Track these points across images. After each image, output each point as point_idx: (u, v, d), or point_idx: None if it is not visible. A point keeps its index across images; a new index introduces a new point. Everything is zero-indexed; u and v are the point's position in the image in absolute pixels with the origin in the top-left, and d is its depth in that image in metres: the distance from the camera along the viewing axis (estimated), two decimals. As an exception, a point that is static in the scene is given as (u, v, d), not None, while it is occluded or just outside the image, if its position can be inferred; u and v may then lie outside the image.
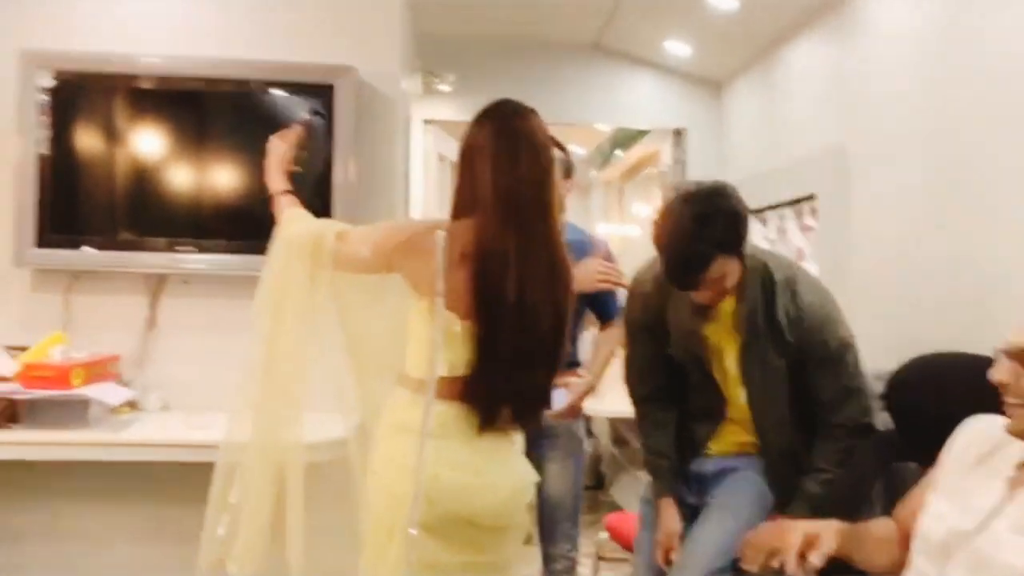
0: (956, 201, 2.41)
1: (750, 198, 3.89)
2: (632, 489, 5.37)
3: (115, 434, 2.43)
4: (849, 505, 1.98)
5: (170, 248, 2.72)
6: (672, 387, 2.19)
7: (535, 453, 1.92)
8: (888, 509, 1.64)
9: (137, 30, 2.81)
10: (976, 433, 1.45)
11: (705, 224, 1.86)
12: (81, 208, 2.74)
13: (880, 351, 2.23)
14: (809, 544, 1.44)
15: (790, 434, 2.03)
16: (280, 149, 2.05)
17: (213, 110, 2.81)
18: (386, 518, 1.68)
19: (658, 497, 2.18)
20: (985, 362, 1.37)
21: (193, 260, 2.73)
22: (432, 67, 4.20)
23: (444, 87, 4.35)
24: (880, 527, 1.56)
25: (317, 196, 2.70)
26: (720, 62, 4.24)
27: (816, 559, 1.42)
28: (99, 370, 2.54)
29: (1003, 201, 2.22)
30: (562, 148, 2.55)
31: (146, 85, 2.74)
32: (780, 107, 3.74)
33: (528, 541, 2.00)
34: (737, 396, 2.08)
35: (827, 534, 1.45)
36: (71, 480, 2.66)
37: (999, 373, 1.32)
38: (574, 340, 2.55)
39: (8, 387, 2.41)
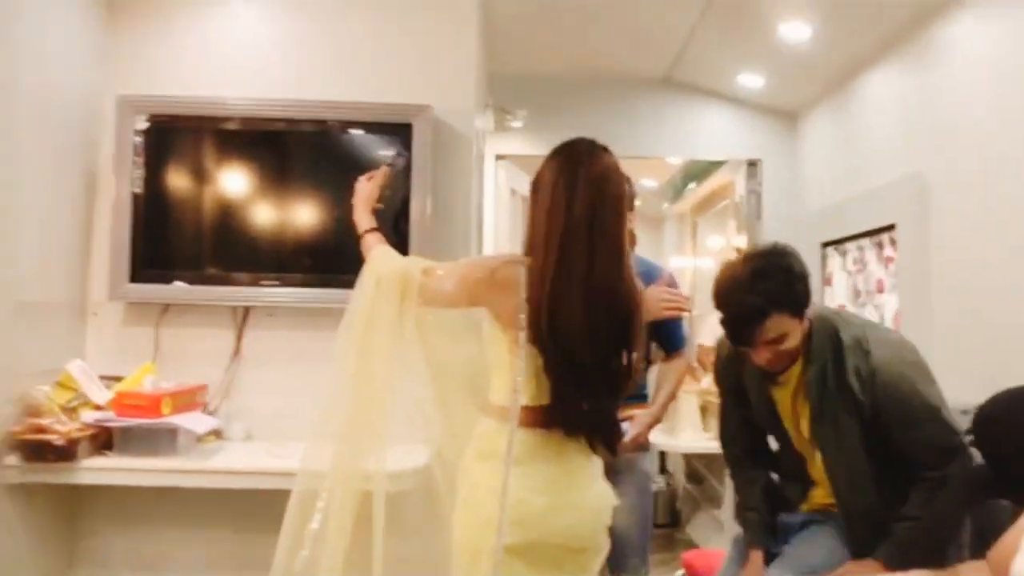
0: (1044, 229, 2.33)
1: (827, 229, 3.87)
2: (708, 526, 5.27)
3: (202, 462, 2.52)
4: (937, 546, 1.92)
5: (254, 282, 2.82)
6: (763, 448, 2.21)
7: None
8: (978, 550, 1.58)
9: (224, 74, 2.95)
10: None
11: (760, 279, 1.90)
12: (171, 244, 2.87)
13: (965, 384, 2.16)
14: None
15: (870, 496, 1.97)
16: (367, 189, 2.12)
17: (295, 149, 2.92)
18: (473, 542, 1.72)
19: (748, 547, 2.19)
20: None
21: (276, 293, 2.82)
22: (504, 104, 4.27)
23: (516, 123, 4.41)
24: (972, 572, 1.50)
25: (395, 231, 2.77)
26: (794, 92, 4.21)
27: None
28: (187, 399, 2.64)
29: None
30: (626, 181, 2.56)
31: (232, 127, 2.87)
32: (857, 136, 3.69)
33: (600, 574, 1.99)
34: (816, 459, 2.07)
35: None
36: (159, 506, 2.75)
37: None
38: (644, 371, 2.55)
39: (103, 415, 2.52)
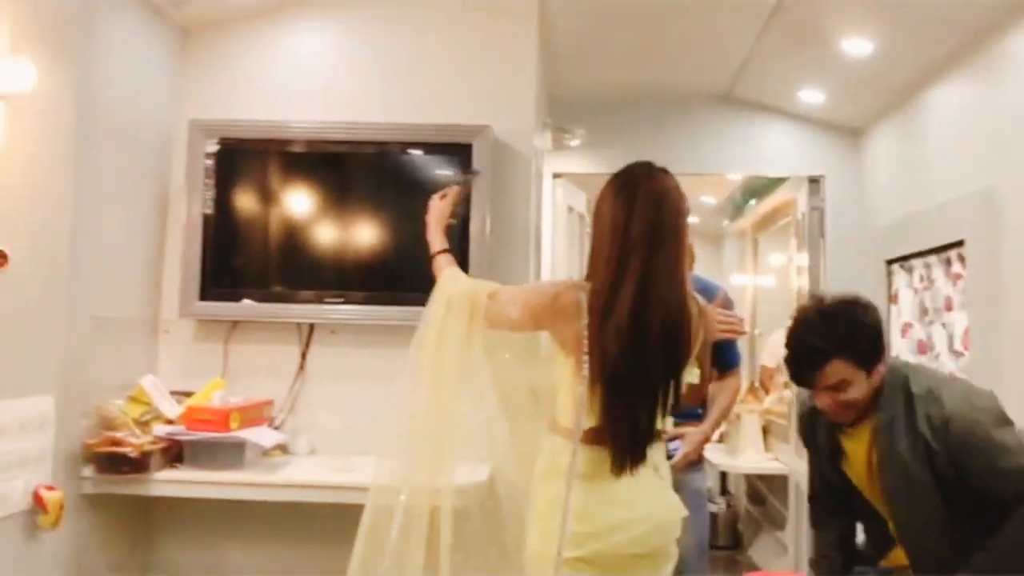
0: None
1: (893, 245, 3.80)
2: (771, 549, 5.17)
3: (268, 475, 2.58)
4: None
5: (318, 300, 2.89)
6: (848, 503, 2.17)
7: None
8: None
9: (289, 98, 3.04)
10: None
11: (827, 323, 1.94)
12: (239, 263, 2.97)
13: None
14: None
15: (943, 552, 1.92)
16: (439, 207, 2.17)
17: (357, 171, 2.99)
18: (545, 554, 1.76)
19: None
20: None
21: (339, 311, 2.88)
22: (562, 122, 4.29)
23: (574, 142, 4.43)
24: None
25: (455, 248, 2.80)
26: (857, 108, 4.15)
27: None
28: (254, 414, 2.71)
29: None
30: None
31: (296, 149, 2.96)
32: (923, 151, 3.62)
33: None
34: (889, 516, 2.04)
35: None
36: (226, 517, 2.82)
37: None
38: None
39: (174, 429, 2.60)
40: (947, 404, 1.90)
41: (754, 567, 5.04)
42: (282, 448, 2.82)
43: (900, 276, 3.83)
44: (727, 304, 2.48)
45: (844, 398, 1.95)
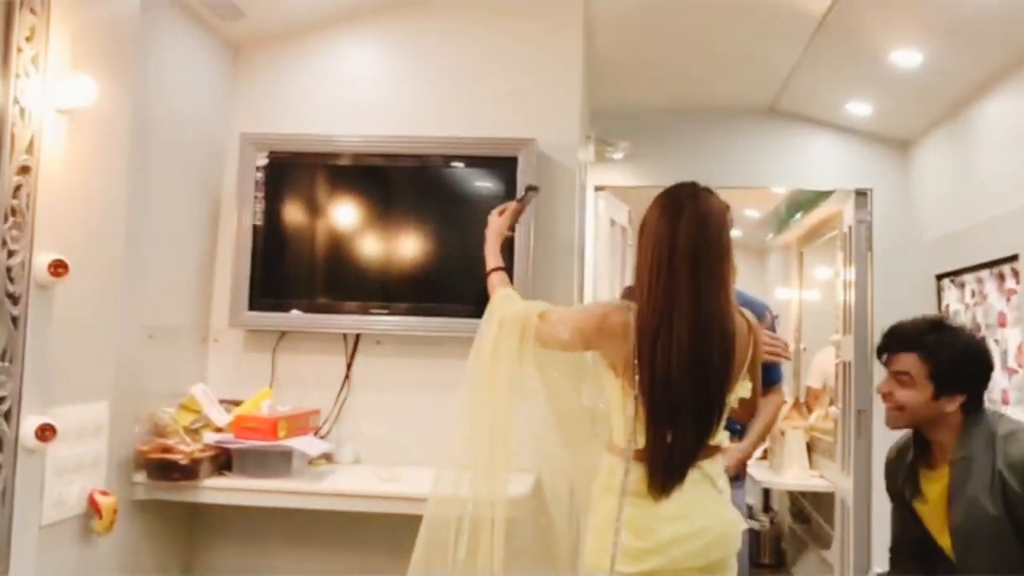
0: None
1: (943, 260, 3.74)
2: (816, 568, 5.09)
3: (313, 484, 2.61)
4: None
5: (363, 311, 2.92)
6: (924, 554, 2.15)
7: None
8: None
9: (337, 112, 3.09)
10: None
11: (932, 326, 2.04)
12: (287, 274, 3.01)
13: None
14: None
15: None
16: (498, 223, 2.22)
17: (403, 184, 3.02)
18: (599, 568, 1.79)
19: None
20: None
21: (383, 322, 2.91)
22: (605, 135, 4.30)
23: (617, 155, 4.43)
24: None
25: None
26: (905, 120, 4.09)
27: None
28: (301, 423, 2.74)
29: None
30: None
31: (344, 162, 3.00)
32: (974, 164, 3.56)
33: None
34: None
35: None
36: (272, 525, 2.85)
37: None
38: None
39: (222, 437, 2.64)
40: None
41: (798, 586, 4.97)
42: (327, 457, 2.85)
43: (951, 291, 3.76)
44: (771, 323, 2.49)
45: (899, 396, 2.01)
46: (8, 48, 1.86)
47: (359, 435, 2.94)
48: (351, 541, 2.81)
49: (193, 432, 2.64)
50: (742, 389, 1.89)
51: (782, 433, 5.39)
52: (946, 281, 3.79)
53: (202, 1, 2.71)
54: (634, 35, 3.54)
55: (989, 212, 3.32)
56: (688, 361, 1.76)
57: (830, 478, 4.95)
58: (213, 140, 3.02)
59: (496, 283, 2.09)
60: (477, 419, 1.98)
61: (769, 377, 2.62)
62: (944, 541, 2.02)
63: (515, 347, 1.93)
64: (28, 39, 1.90)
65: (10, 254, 1.87)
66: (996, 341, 3.29)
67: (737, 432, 2.70)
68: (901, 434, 2.21)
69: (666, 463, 1.78)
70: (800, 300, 6.66)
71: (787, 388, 4.93)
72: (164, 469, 2.50)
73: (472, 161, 2.96)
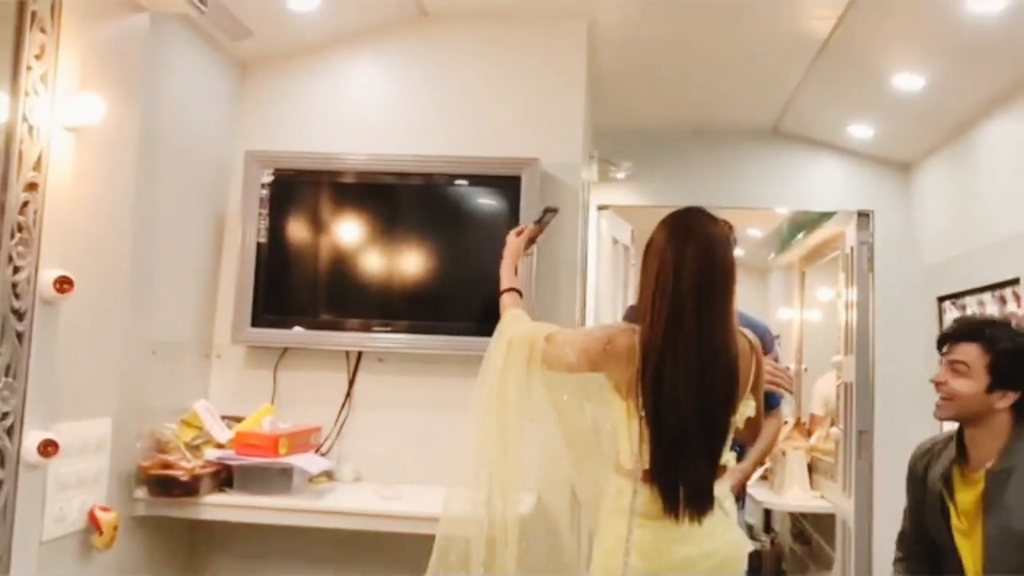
0: None
1: (944, 282, 3.75)
2: (816, 589, 5.06)
3: (314, 501, 2.61)
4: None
5: (366, 328, 2.93)
6: (934, 554, 2.16)
7: None
8: None
9: (342, 131, 3.11)
10: None
11: (998, 324, 2.10)
12: (290, 291, 3.02)
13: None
14: None
15: None
16: (515, 243, 2.26)
17: (406, 202, 3.04)
18: None
19: None
20: None
21: (386, 339, 2.92)
22: (608, 155, 4.32)
23: (620, 174, 4.45)
24: None
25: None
26: (907, 143, 4.11)
27: None
28: (302, 440, 2.74)
29: None
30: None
31: (348, 180, 3.01)
32: (976, 188, 3.57)
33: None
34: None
35: None
36: (271, 542, 2.85)
37: None
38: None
39: (224, 453, 2.65)
40: None
41: (799, 607, 4.94)
42: (328, 475, 2.85)
43: (952, 313, 3.76)
44: (771, 343, 2.51)
45: (953, 384, 2.03)
46: (18, 66, 1.87)
47: (360, 453, 2.94)
48: (351, 559, 2.81)
49: (194, 448, 2.64)
50: (747, 409, 1.91)
51: (783, 453, 5.38)
52: (947, 303, 3.80)
53: (211, 20, 2.73)
54: (638, 56, 3.56)
55: (990, 235, 3.33)
56: (694, 385, 1.79)
57: (831, 499, 4.94)
58: (219, 157, 3.04)
59: (508, 303, 2.13)
60: (487, 438, 2.00)
61: (769, 401, 2.63)
62: (965, 546, 2.02)
63: (523, 368, 1.95)
64: (38, 57, 1.92)
65: (16, 270, 1.88)
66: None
67: (737, 453, 2.71)
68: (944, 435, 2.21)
69: (687, 488, 1.79)
70: (802, 320, 6.66)
71: (788, 408, 4.94)
72: (165, 485, 2.50)
73: (475, 180, 2.98)
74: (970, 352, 2.01)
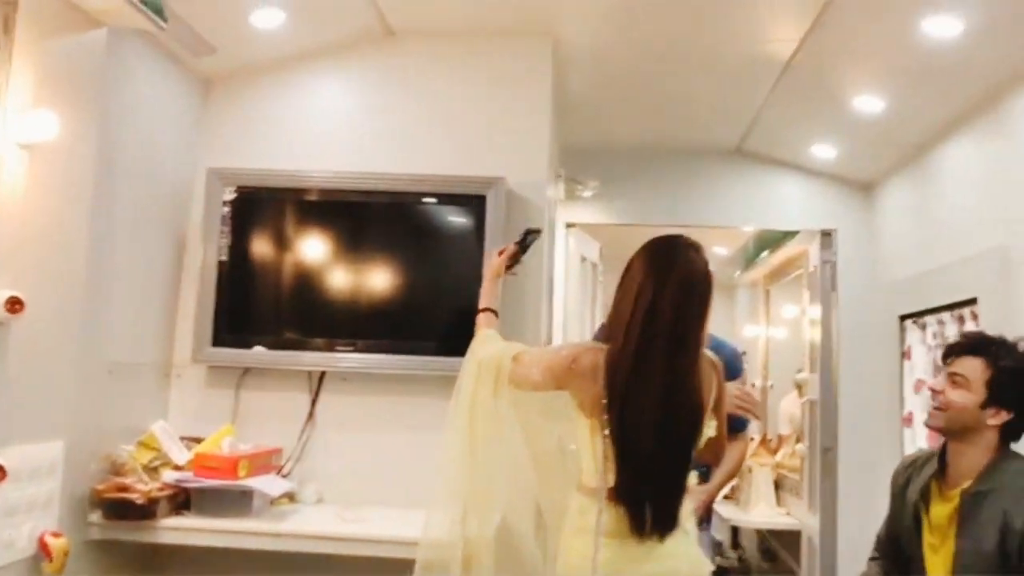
0: None
1: (905, 301, 3.79)
2: (782, 606, 5.07)
3: (274, 524, 2.56)
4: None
5: (330, 347, 2.89)
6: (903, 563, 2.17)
7: None
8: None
9: (306, 148, 3.08)
10: None
11: (1002, 339, 2.06)
12: (252, 310, 2.98)
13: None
14: None
15: None
16: (495, 263, 2.28)
17: (372, 220, 3.01)
18: None
19: None
20: None
21: (350, 359, 2.88)
22: (575, 174, 4.33)
23: (587, 193, 4.47)
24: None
25: (469, 294, 2.83)
26: (868, 164, 4.17)
27: None
28: (263, 462, 2.70)
29: None
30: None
31: (312, 198, 2.99)
32: (935, 208, 3.63)
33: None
34: None
35: None
36: (231, 566, 2.78)
37: None
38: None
39: (182, 476, 2.59)
40: None
41: (766, 625, 4.95)
42: (289, 496, 2.80)
43: (913, 332, 3.81)
44: (745, 379, 2.55)
45: (949, 395, 2.03)
46: (-30, 82, 1.84)
47: (323, 474, 2.89)
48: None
49: (152, 470, 2.59)
50: (708, 429, 1.92)
51: (749, 470, 5.40)
52: (909, 322, 3.84)
53: (172, 36, 2.70)
54: (604, 76, 3.58)
55: (949, 255, 3.38)
56: (662, 407, 1.80)
57: (797, 515, 4.96)
58: (180, 175, 3.00)
59: (481, 323, 2.15)
60: (461, 458, 2.01)
61: (735, 424, 2.64)
62: (934, 562, 2.03)
63: (491, 388, 1.97)
64: (-10, 73, 1.88)
65: (-35, 290, 1.83)
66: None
67: (703, 474, 2.71)
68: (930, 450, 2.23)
69: (654, 508, 1.80)
70: (767, 337, 6.72)
71: (754, 425, 4.95)
72: (120, 508, 2.44)
73: (441, 198, 2.97)
74: (973, 366, 2.02)
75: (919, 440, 3.67)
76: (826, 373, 4.38)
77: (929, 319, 3.63)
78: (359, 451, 2.90)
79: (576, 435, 1.93)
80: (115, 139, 2.52)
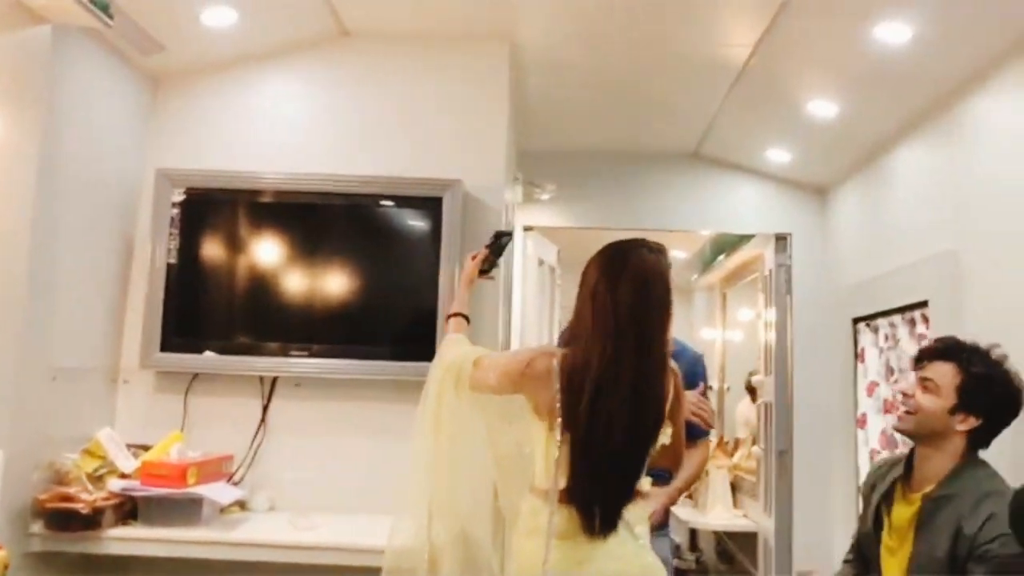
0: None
1: (858, 304, 3.84)
2: (739, 607, 5.11)
3: (224, 533, 2.50)
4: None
5: (283, 352, 2.85)
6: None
7: None
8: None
9: (260, 149, 3.03)
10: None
11: (971, 348, 2.05)
12: (203, 314, 2.92)
13: (998, 464, 2.10)
14: None
15: None
16: (469, 267, 2.32)
17: (327, 223, 2.97)
18: None
19: None
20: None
21: (304, 364, 2.84)
22: (533, 177, 4.32)
23: (544, 196, 4.46)
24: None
25: (425, 298, 2.81)
26: (822, 168, 4.22)
27: None
28: (213, 469, 2.64)
29: None
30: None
31: (266, 200, 2.94)
32: (887, 212, 3.68)
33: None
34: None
35: None
36: (181, 577, 2.73)
37: None
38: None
39: (128, 484, 2.53)
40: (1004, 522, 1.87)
41: (723, 627, 4.98)
42: (240, 504, 2.75)
43: (866, 335, 3.86)
44: (704, 393, 2.58)
45: (918, 399, 2.03)
46: (-99, 77, 1.77)
47: (275, 481, 2.84)
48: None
49: (97, 479, 2.52)
50: (663, 436, 1.91)
51: (707, 473, 5.43)
52: (862, 325, 3.89)
53: (119, 34, 2.64)
54: (562, 80, 3.58)
55: (901, 259, 3.43)
56: (627, 414, 1.80)
57: (753, 517, 5.00)
58: (128, 175, 2.93)
59: (451, 328, 2.18)
60: (427, 464, 2.03)
61: (695, 431, 2.64)
62: (890, 565, 2.05)
63: (453, 392, 1.99)
64: (-76, 68, 1.81)
65: None
66: (895, 382, 3.38)
67: (663, 478, 2.71)
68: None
69: (596, 506, 1.81)
70: (723, 340, 6.78)
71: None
72: (63, 519, 2.37)
73: (397, 201, 2.93)
74: (944, 371, 2.03)
75: (872, 441, 3.72)
76: (781, 376, 4.42)
77: (881, 322, 3.68)
78: (312, 457, 2.85)
79: (531, 437, 1.94)
80: (59, 139, 2.45)
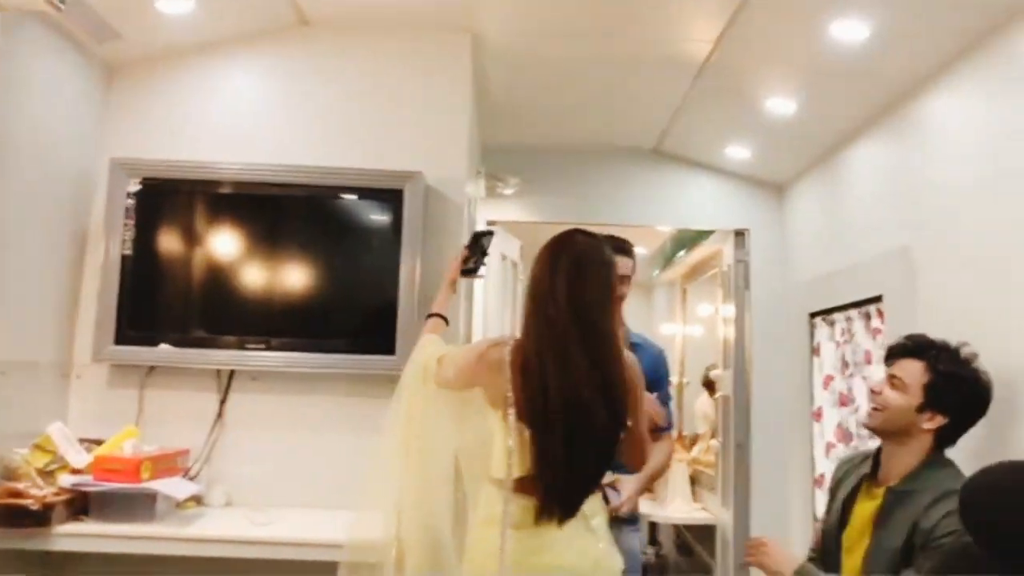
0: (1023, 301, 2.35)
1: (815, 299, 3.89)
2: (698, 599, 5.16)
3: (179, 529, 2.47)
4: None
5: (240, 345, 2.81)
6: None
7: None
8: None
9: (218, 140, 2.99)
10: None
11: (941, 347, 2.07)
12: (158, 306, 2.87)
13: (955, 456, 2.14)
14: None
15: None
16: (450, 267, 2.39)
17: (286, 214, 2.93)
18: None
19: None
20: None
21: (262, 357, 2.80)
22: (495, 171, 4.32)
23: (507, 190, 4.46)
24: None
25: (385, 291, 2.79)
26: (780, 165, 4.27)
27: None
28: (167, 464, 2.60)
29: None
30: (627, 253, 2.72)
31: (224, 191, 2.89)
32: (843, 208, 3.74)
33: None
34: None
35: None
36: (135, 574, 2.68)
37: None
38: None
39: (80, 479, 2.48)
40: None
41: (681, 619, 5.02)
42: (196, 499, 2.71)
43: (822, 329, 3.91)
44: (664, 401, 2.67)
45: (886, 395, 2.05)
46: None
47: (232, 476, 2.81)
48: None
49: (47, 475, 2.47)
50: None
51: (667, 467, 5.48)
52: (818, 319, 3.95)
53: (72, 20, 2.58)
54: (524, 74, 3.57)
55: (856, 254, 3.48)
56: (566, 401, 1.81)
57: (712, 510, 5.05)
58: (82, 165, 2.87)
59: (427, 328, 2.24)
60: (397, 460, 2.06)
61: (658, 425, 2.66)
62: (847, 563, 2.06)
63: (421, 390, 2.05)
64: None
65: None
66: (864, 378, 3.43)
67: (624, 471, 2.73)
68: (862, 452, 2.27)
69: (556, 495, 1.82)
70: (683, 335, 6.83)
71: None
72: (12, 515, 2.31)
73: (357, 193, 2.91)
74: (913, 368, 2.04)
75: (828, 434, 3.78)
76: (739, 370, 4.47)
77: (837, 316, 3.73)
78: (269, 452, 2.83)
79: (488, 428, 1.96)
80: (7, 128, 2.40)
